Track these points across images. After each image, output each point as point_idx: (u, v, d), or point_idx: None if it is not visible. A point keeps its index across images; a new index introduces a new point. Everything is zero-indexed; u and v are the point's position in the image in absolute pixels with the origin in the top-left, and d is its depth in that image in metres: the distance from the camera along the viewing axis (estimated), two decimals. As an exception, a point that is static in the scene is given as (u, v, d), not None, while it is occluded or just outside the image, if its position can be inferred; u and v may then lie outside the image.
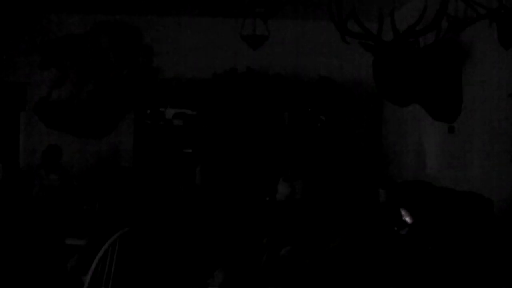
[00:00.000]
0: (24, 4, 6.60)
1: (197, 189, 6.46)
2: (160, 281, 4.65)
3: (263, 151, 7.13)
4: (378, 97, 6.87)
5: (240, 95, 7.07)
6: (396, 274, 4.06)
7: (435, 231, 4.43)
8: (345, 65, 7.32)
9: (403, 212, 4.75)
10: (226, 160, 6.93)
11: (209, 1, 6.54)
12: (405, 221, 4.69)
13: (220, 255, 4.76)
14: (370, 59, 5.12)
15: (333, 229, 4.91)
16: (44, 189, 6.15)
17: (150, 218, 5.70)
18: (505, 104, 4.58)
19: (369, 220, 4.95)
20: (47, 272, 4.59)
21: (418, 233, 4.52)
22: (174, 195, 6.24)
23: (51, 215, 5.64)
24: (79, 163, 6.87)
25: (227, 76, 7.05)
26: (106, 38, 6.96)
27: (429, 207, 4.82)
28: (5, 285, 4.38)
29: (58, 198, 6.03)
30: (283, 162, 6.79)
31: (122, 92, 6.95)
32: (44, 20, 6.97)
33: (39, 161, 6.53)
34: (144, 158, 7.03)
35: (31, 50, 6.94)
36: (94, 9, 6.76)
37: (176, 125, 7.31)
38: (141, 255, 4.35)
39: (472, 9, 4.44)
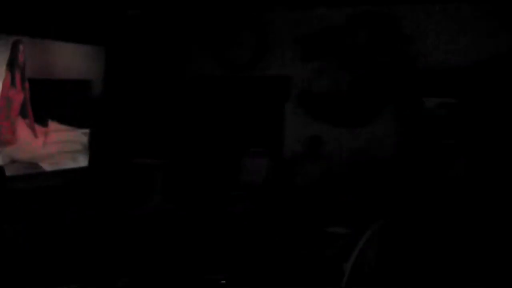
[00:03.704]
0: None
1: (455, 181, 6.14)
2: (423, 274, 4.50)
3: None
4: None
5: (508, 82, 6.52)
6: None
7: None
8: None
9: None
10: (493, 153, 6.45)
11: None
12: None
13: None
14: None
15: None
16: (305, 178, 6.36)
17: (409, 210, 5.57)
18: None
19: None
20: (307, 259, 4.71)
21: None
22: (430, 187, 6.03)
23: (312, 204, 5.81)
24: (339, 152, 6.97)
25: (490, 63, 6.55)
26: (364, 29, 6.95)
27: None
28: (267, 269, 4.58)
29: (319, 187, 6.19)
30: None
31: (381, 83, 6.88)
32: (305, 13, 7.20)
33: (301, 150, 6.80)
34: (403, 149, 6.86)
35: (295, 43, 7.23)
36: (352, 0, 6.79)
37: (438, 115, 7.00)
38: (400, 246, 4.27)
39: None
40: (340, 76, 7.03)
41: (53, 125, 6.78)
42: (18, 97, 6.37)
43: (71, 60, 6.95)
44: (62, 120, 6.90)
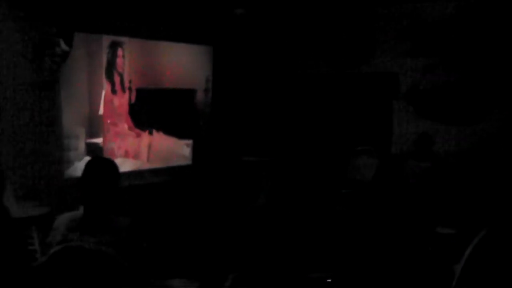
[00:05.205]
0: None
1: None
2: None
3: None
4: None
5: None
6: None
7: None
8: None
9: None
10: None
11: None
12: None
13: None
14: None
15: None
16: (414, 177, 6.23)
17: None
18: None
19: None
20: (417, 259, 4.62)
21: None
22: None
23: (422, 202, 5.68)
24: (448, 151, 6.76)
25: None
26: (475, 21, 6.66)
27: None
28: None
29: (428, 186, 6.04)
30: None
31: (494, 79, 6.58)
32: (414, 7, 7.01)
33: (410, 148, 6.65)
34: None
35: (403, 39, 7.06)
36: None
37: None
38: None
39: None
40: (450, 71, 6.79)
41: (157, 135, 6.77)
42: (122, 107, 6.21)
43: (177, 65, 6.93)
44: (167, 131, 6.90)
